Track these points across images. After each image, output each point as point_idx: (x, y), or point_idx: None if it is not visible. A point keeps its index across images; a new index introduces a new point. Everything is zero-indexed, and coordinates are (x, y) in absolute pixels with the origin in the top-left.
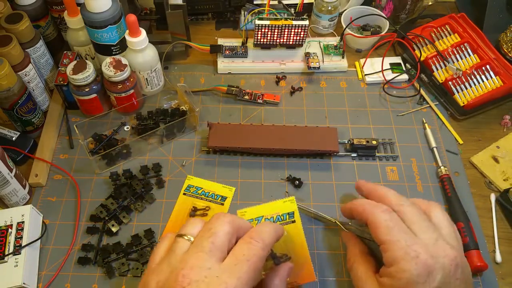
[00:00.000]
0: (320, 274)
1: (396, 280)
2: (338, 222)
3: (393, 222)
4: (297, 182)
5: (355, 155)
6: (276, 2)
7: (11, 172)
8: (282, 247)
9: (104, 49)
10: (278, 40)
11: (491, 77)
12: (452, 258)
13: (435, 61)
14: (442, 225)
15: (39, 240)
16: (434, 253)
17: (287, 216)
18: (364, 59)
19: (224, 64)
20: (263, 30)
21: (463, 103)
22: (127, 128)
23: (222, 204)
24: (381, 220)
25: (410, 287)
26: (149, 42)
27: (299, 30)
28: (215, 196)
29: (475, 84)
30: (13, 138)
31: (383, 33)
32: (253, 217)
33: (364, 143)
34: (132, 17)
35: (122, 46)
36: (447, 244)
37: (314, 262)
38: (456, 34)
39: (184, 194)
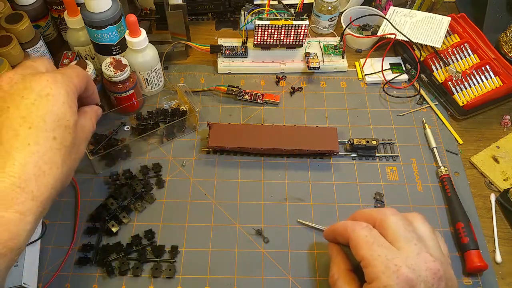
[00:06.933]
0: (320, 275)
1: None
2: None
3: (373, 238)
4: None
5: (355, 155)
6: (276, 2)
7: None
8: None
9: (104, 49)
10: (278, 40)
11: (491, 77)
12: (435, 271)
13: (435, 61)
14: (426, 237)
15: (39, 240)
16: (416, 266)
17: None
18: (364, 59)
19: (224, 64)
20: (263, 30)
21: (463, 103)
22: (127, 128)
23: None
24: (360, 235)
25: None
26: (149, 42)
27: (299, 30)
28: None
29: (474, 84)
30: None
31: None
32: None
33: (364, 143)
34: (132, 17)
35: (122, 46)
36: (431, 256)
37: (314, 262)
38: (456, 34)
39: None
